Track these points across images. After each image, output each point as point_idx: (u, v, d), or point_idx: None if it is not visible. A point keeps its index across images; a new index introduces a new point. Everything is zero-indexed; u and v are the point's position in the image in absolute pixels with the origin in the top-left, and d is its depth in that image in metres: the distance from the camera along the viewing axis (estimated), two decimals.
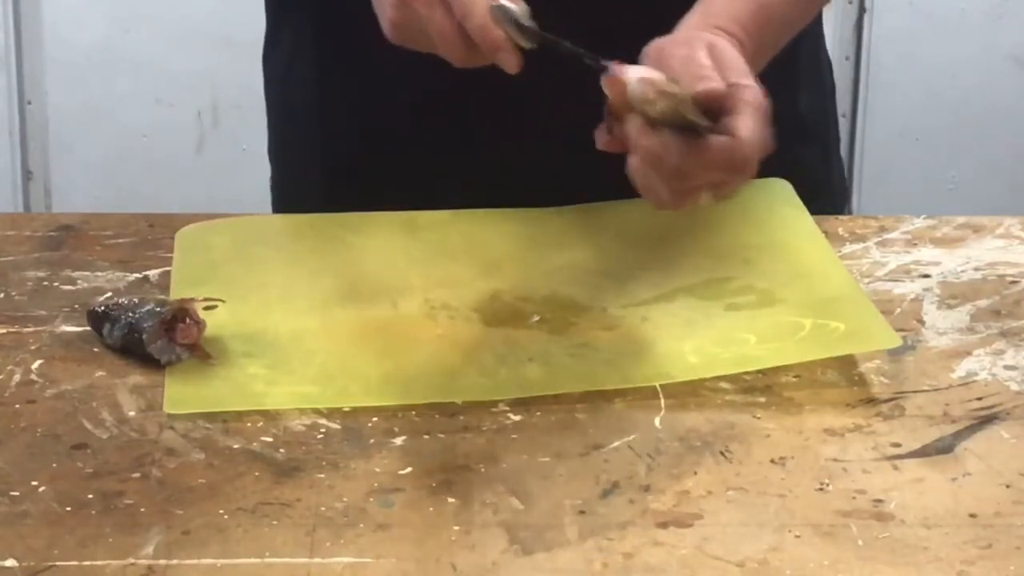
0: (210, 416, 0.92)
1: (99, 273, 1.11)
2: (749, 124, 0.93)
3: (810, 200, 1.19)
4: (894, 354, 1.00)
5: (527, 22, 0.97)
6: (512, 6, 0.97)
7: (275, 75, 1.32)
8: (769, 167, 1.03)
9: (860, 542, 0.81)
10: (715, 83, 0.95)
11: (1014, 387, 0.97)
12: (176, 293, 1.07)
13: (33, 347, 1.01)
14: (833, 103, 1.37)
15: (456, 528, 0.82)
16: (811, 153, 1.32)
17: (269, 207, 1.34)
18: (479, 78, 1.06)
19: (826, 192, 1.31)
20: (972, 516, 0.83)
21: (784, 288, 1.07)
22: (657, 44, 1.00)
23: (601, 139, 0.97)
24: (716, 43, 0.98)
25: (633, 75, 0.93)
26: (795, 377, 0.97)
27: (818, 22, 1.29)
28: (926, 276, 1.12)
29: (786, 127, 1.04)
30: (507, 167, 1.20)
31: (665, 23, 1.04)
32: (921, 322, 1.06)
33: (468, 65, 0.99)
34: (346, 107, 1.26)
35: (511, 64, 0.97)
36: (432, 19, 0.98)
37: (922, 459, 0.89)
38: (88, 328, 1.02)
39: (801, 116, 1.30)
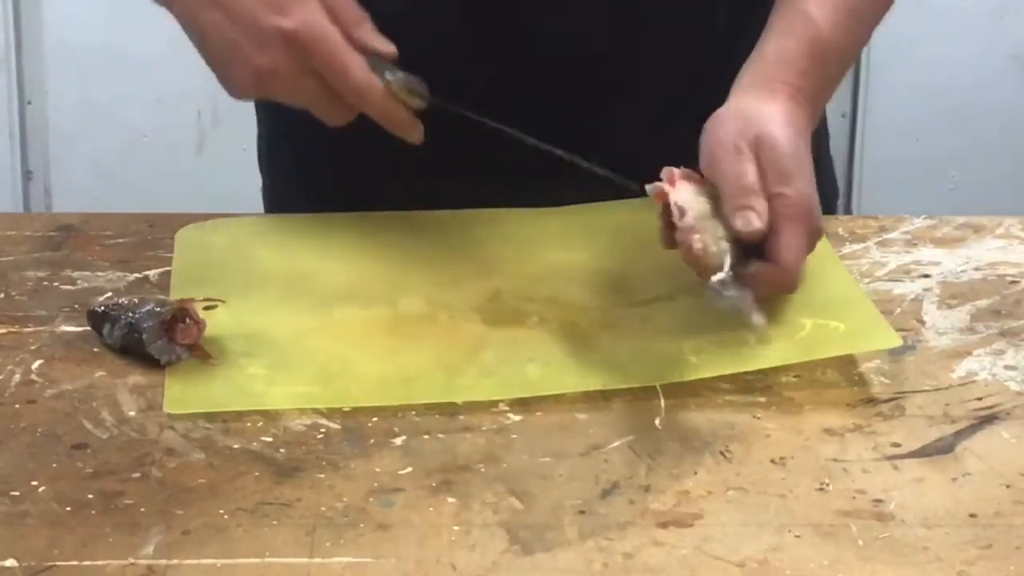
0: (210, 416, 0.92)
1: (99, 273, 1.11)
2: (790, 243, 0.99)
3: None
4: (894, 354, 1.00)
5: (422, 89, 1.05)
6: (404, 76, 1.03)
7: None
8: None
9: (860, 542, 0.81)
10: (755, 221, 0.99)
11: (1014, 387, 0.97)
12: (176, 293, 1.07)
13: (33, 347, 1.01)
14: None
15: (456, 528, 0.82)
16: None
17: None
18: (477, 86, 1.07)
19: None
20: (972, 516, 0.83)
21: None
22: (710, 144, 1.03)
23: (664, 240, 1.03)
24: (764, 138, 1.01)
25: (679, 204, 1.00)
26: (795, 377, 0.97)
27: None
28: (926, 276, 1.12)
29: None
30: (507, 170, 1.20)
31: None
32: (921, 322, 1.06)
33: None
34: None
35: (417, 137, 1.05)
36: (302, 91, 1.04)
37: (922, 459, 0.89)
38: (88, 328, 1.01)
39: None
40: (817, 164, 1.28)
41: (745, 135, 1.02)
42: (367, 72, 1.03)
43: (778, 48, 1.08)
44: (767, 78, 1.06)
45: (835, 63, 1.12)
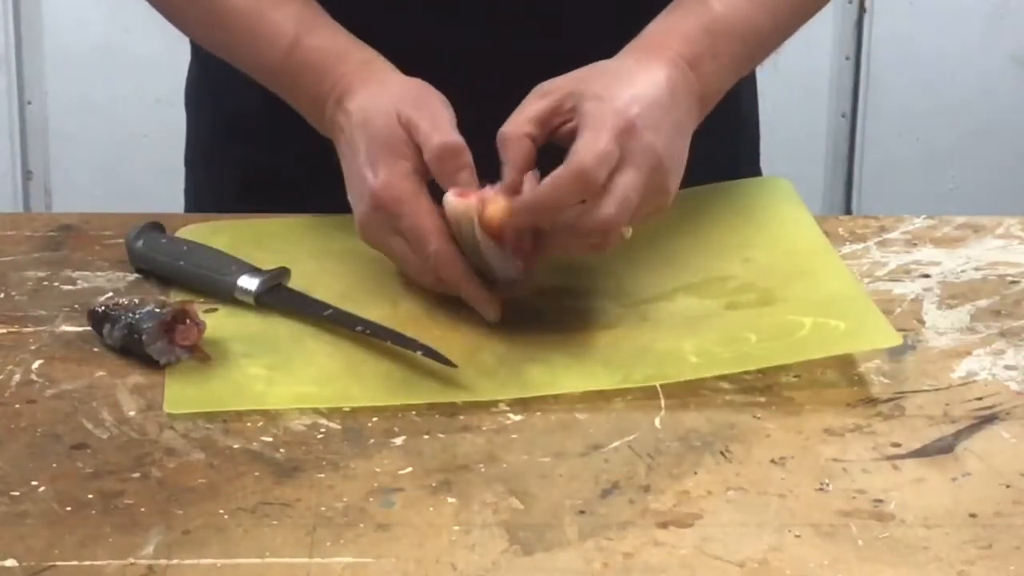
0: (210, 416, 0.92)
1: (99, 273, 1.11)
2: (590, 145, 0.97)
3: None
4: (894, 354, 1.00)
5: None
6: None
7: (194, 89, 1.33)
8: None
9: (860, 542, 0.81)
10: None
11: (1014, 387, 0.97)
12: (176, 294, 1.07)
13: (33, 347, 1.01)
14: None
15: (456, 528, 0.82)
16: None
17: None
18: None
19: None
20: (972, 516, 0.83)
21: (784, 287, 1.07)
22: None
23: None
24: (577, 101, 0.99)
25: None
26: (795, 377, 0.97)
27: None
28: (926, 276, 1.12)
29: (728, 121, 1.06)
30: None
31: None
32: (921, 322, 1.06)
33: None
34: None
35: (494, 316, 1.02)
36: (390, 249, 1.04)
37: (922, 459, 0.89)
38: (88, 328, 1.01)
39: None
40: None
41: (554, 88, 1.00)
42: (447, 243, 1.00)
43: (666, 24, 1.07)
44: (649, 46, 1.04)
45: (727, 37, 1.07)
